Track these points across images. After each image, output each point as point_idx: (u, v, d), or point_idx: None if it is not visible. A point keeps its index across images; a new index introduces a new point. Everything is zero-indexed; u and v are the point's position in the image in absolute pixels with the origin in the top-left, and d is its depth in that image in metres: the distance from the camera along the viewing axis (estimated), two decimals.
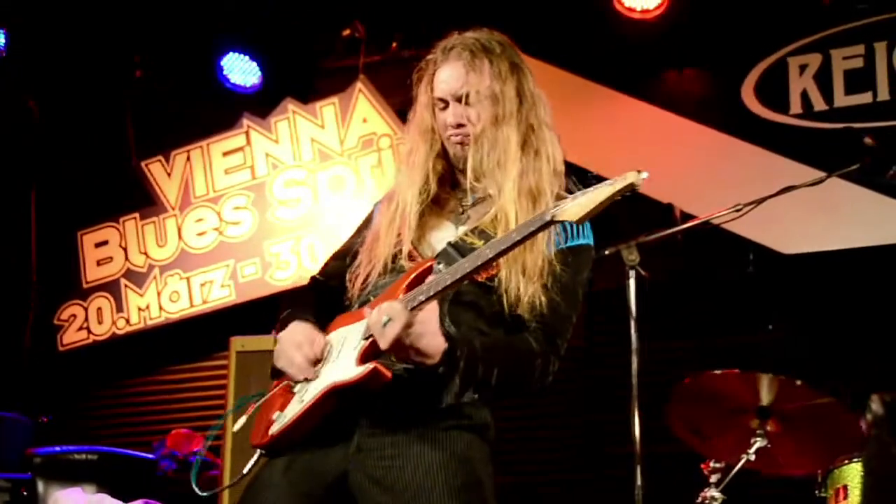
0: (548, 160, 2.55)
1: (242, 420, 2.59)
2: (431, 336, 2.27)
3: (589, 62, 5.95)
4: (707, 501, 3.79)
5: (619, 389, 4.17)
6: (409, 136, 2.73)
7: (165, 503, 5.03)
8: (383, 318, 2.25)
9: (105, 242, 6.89)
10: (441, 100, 2.63)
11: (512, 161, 2.52)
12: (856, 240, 5.25)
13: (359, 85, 6.43)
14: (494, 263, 2.36)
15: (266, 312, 6.06)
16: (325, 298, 2.66)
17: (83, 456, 5.31)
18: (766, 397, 3.79)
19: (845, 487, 3.58)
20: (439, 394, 2.34)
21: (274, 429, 2.45)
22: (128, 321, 6.72)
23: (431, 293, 2.28)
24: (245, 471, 2.50)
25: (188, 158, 6.77)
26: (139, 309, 6.71)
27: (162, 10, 6.41)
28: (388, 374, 2.31)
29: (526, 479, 5.57)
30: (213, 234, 6.65)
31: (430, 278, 2.35)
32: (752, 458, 3.80)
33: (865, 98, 5.39)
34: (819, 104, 5.48)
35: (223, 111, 6.73)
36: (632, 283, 3.93)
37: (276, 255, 6.49)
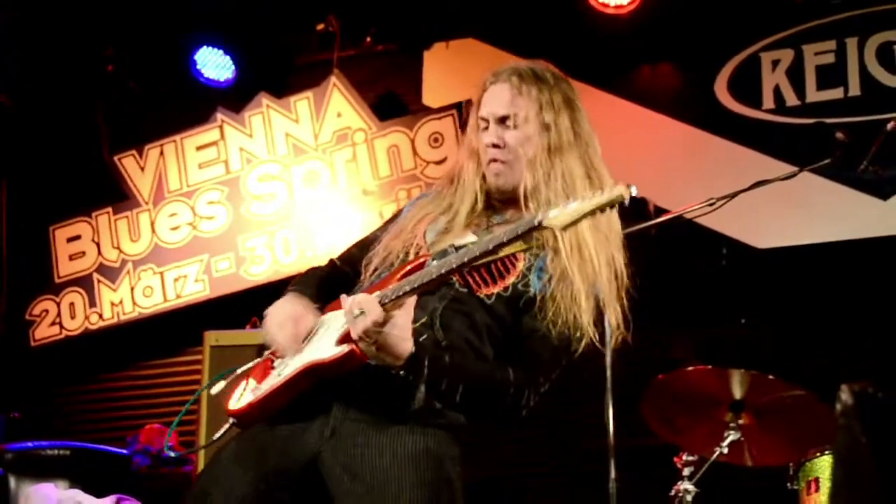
0: None
1: (222, 384, 2.60)
2: (399, 339, 2.28)
3: (562, 57, 5.89)
4: (681, 494, 3.82)
5: (593, 383, 4.19)
6: (459, 157, 2.70)
7: (139, 498, 5.01)
8: (356, 309, 2.27)
9: (77, 237, 6.85)
10: (483, 119, 2.61)
11: (580, 192, 2.46)
12: (828, 234, 5.28)
13: (333, 79, 6.42)
14: (499, 280, 2.41)
15: (240, 307, 6.09)
16: (334, 280, 2.66)
17: (55, 451, 5.28)
18: (738, 391, 3.81)
19: (817, 480, 3.61)
20: (411, 394, 2.35)
21: (248, 399, 2.47)
22: (101, 316, 6.69)
23: (416, 284, 2.30)
24: (216, 436, 2.52)
25: (161, 153, 6.74)
26: (112, 304, 6.68)
27: (135, 4, 6.38)
28: (364, 357, 2.32)
29: (499, 474, 5.58)
30: (187, 229, 6.62)
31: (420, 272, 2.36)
32: (725, 451, 3.82)
33: (837, 93, 5.42)
34: (791, 99, 5.51)
35: (197, 105, 6.71)
36: None
37: (250, 249, 6.47)
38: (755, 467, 4.03)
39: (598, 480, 3.89)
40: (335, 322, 2.45)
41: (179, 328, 6.47)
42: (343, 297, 2.40)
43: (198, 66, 6.50)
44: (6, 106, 6.85)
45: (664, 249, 5.02)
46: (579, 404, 5.48)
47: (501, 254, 2.33)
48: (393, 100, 6.51)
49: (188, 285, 6.55)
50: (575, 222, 2.15)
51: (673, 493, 3.84)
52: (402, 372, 2.31)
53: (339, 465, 2.38)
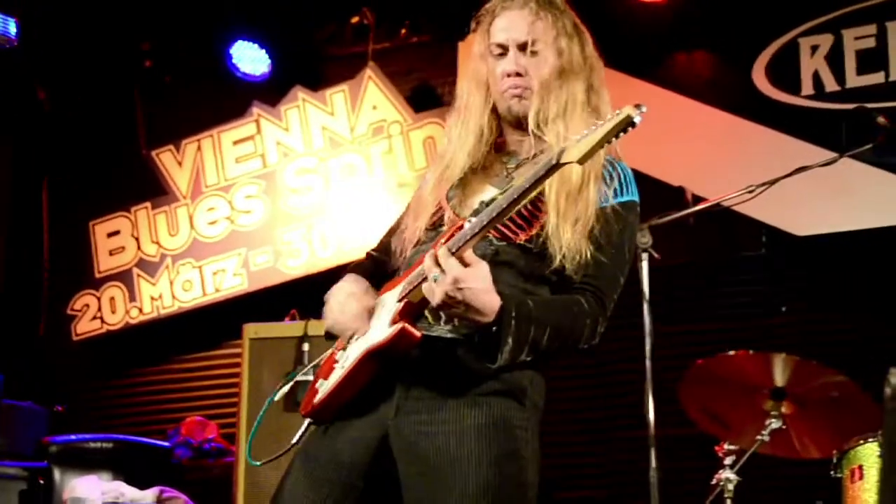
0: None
1: (285, 389, 2.62)
2: (486, 293, 2.22)
3: (598, 46, 5.92)
4: (722, 483, 3.79)
5: (632, 373, 4.17)
6: (464, 88, 2.62)
7: (181, 490, 5.05)
8: (434, 271, 2.21)
9: (117, 232, 6.90)
10: (500, 45, 2.54)
11: (578, 115, 2.47)
12: (869, 220, 5.22)
13: (368, 72, 6.42)
14: (534, 222, 2.37)
15: (279, 300, 6.12)
16: (378, 269, 2.64)
17: (98, 444, 5.34)
18: (780, 378, 3.78)
19: (860, 467, 3.56)
20: (490, 355, 2.27)
21: (318, 397, 2.47)
22: (141, 310, 6.74)
23: (454, 249, 2.24)
24: (294, 440, 2.53)
25: (199, 147, 6.78)
26: (152, 298, 6.73)
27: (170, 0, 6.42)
28: (418, 334, 2.29)
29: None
30: (225, 223, 6.66)
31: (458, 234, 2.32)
32: (767, 439, 3.80)
33: (878, 78, 5.35)
34: (831, 85, 5.45)
35: (233, 100, 6.73)
36: (644, 265, 3.93)
37: (288, 243, 6.49)
38: (797, 457, 4.01)
39: (637, 470, 3.88)
40: (387, 304, 2.44)
41: (218, 322, 6.50)
42: (425, 256, 2.30)
43: (233, 61, 6.53)
44: (45, 102, 6.91)
45: (703, 237, 5.01)
46: (618, 393, 5.47)
47: (527, 199, 2.27)
48: (428, 91, 6.50)
49: (227, 279, 6.58)
50: (591, 152, 2.14)
51: (714, 481, 3.82)
52: (493, 328, 2.23)
53: (404, 445, 2.36)
